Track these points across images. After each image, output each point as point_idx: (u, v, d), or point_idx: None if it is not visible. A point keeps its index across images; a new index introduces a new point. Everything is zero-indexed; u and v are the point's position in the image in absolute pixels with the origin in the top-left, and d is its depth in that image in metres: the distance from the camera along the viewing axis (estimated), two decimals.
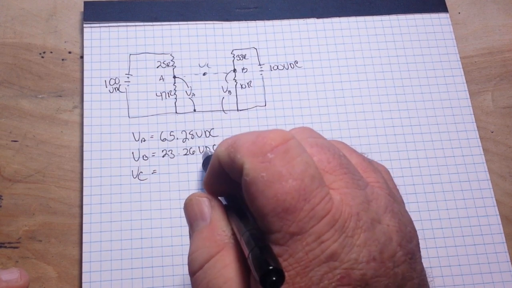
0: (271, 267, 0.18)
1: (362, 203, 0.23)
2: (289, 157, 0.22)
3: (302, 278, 0.20)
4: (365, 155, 0.27)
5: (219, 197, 0.27)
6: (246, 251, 0.21)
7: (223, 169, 0.25)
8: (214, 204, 0.26)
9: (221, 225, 0.25)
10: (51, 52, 0.40)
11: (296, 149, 0.23)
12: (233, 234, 0.24)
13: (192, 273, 0.24)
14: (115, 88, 0.39)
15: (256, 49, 0.42)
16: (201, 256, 0.24)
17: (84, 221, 0.35)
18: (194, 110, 0.39)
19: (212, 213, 0.25)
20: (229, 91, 0.40)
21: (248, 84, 0.40)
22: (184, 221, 0.36)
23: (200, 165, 0.37)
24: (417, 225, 0.37)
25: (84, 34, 0.41)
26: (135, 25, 0.41)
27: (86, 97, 0.39)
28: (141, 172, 0.37)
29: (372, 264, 0.21)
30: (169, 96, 0.39)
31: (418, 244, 0.25)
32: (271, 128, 0.25)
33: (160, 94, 0.39)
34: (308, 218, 0.21)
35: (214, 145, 0.38)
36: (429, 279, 0.25)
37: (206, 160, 0.35)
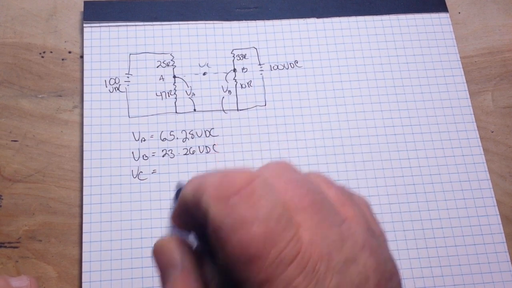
0: None
1: (334, 242, 0.22)
2: (253, 200, 0.21)
3: None
4: (345, 187, 0.26)
5: (189, 234, 0.26)
6: None
7: (188, 208, 0.24)
8: (184, 249, 0.25)
9: (194, 273, 0.24)
10: (51, 52, 0.40)
11: (262, 190, 0.22)
12: (206, 280, 0.24)
13: None
14: (115, 88, 0.39)
15: (256, 49, 0.42)
16: None
17: (84, 221, 0.35)
18: (194, 110, 0.39)
19: (183, 259, 0.24)
20: (229, 91, 0.40)
21: (248, 84, 0.40)
22: None
23: (199, 165, 0.37)
24: (417, 225, 0.37)
25: (84, 34, 0.41)
26: (135, 25, 0.41)
27: (86, 97, 0.39)
28: (141, 172, 0.37)
29: None
30: (169, 96, 0.39)
31: (399, 282, 0.24)
32: (238, 167, 0.24)
33: (160, 94, 0.39)
34: (276, 265, 0.20)
35: (214, 145, 0.38)
36: None
37: (178, 192, 0.34)
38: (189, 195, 0.23)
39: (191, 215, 0.24)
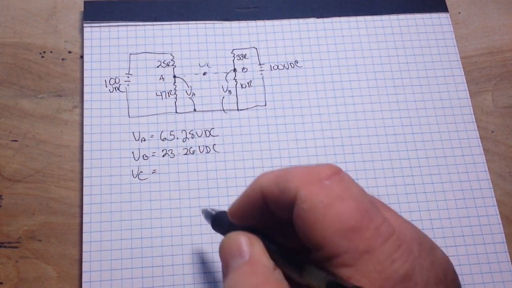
0: None
1: (417, 231, 0.23)
2: (345, 184, 0.22)
3: None
4: None
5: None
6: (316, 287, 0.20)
7: (263, 202, 0.24)
8: (254, 241, 0.24)
9: (263, 260, 0.23)
10: (51, 52, 0.40)
11: (350, 179, 0.23)
12: (277, 270, 0.23)
13: None
14: (115, 88, 0.39)
15: (256, 48, 0.42)
16: None
17: (84, 221, 0.35)
18: (194, 110, 0.39)
19: (252, 250, 0.24)
20: (229, 91, 0.40)
21: (248, 83, 0.40)
22: (184, 220, 0.36)
23: (199, 165, 0.37)
24: (417, 225, 0.37)
25: (84, 34, 0.41)
26: (135, 25, 0.41)
27: (86, 96, 0.39)
28: (141, 172, 0.37)
29: (440, 286, 0.21)
30: (169, 96, 0.39)
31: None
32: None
33: (160, 94, 0.39)
34: (376, 237, 0.21)
35: (214, 144, 0.38)
36: None
37: (212, 217, 0.31)
38: (270, 183, 0.24)
39: (258, 210, 0.25)
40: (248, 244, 0.24)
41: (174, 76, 0.40)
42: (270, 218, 0.25)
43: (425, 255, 0.21)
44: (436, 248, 0.22)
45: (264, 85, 0.40)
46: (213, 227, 0.30)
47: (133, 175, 0.37)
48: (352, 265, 0.20)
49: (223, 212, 0.28)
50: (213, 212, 0.30)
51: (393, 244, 0.21)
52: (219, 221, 0.29)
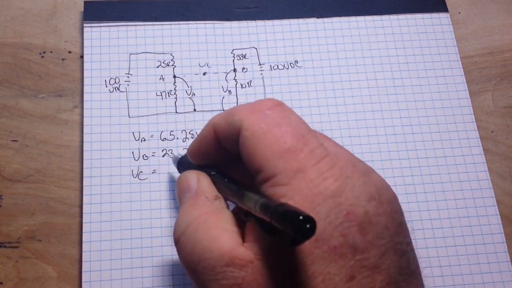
0: (301, 217, 0.18)
1: (352, 156, 0.24)
2: (285, 113, 0.24)
3: (309, 213, 0.20)
4: None
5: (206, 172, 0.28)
6: (263, 214, 0.21)
7: (215, 139, 0.26)
8: (201, 177, 0.27)
9: (206, 192, 0.26)
10: (51, 52, 0.40)
11: (291, 110, 0.25)
12: (218, 199, 0.25)
13: (176, 240, 0.25)
14: (115, 88, 0.39)
15: (256, 48, 0.42)
16: (183, 222, 0.24)
17: (84, 221, 0.35)
18: (194, 110, 0.39)
19: (198, 185, 0.26)
20: (229, 91, 0.40)
21: (248, 83, 0.40)
22: None
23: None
24: (417, 225, 0.37)
25: (84, 34, 0.41)
26: (135, 25, 0.41)
27: (86, 96, 0.39)
28: (141, 172, 0.37)
29: (372, 203, 0.22)
30: (169, 96, 0.40)
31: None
32: None
33: (160, 94, 0.39)
34: (310, 158, 0.22)
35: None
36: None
37: (179, 162, 0.34)
38: (220, 120, 0.26)
39: (212, 147, 0.27)
40: (196, 180, 0.27)
41: (174, 76, 0.40)
42: (224, 155, 0.27)
43: (358, 175, 0.22)
44: (372, 172, 0.24)
45: (264, 85, 0.40)
46: (178, 170, 0.33)
47: (133, 175, 0.37)
48: (287, 183, 0.22)
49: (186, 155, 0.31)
50: (179, 156, 0.33)
51: (326, 164, 0.22)
52: (183, 164, 0.32)
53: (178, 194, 0.28)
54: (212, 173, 0.27)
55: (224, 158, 0.28)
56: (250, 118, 0.24)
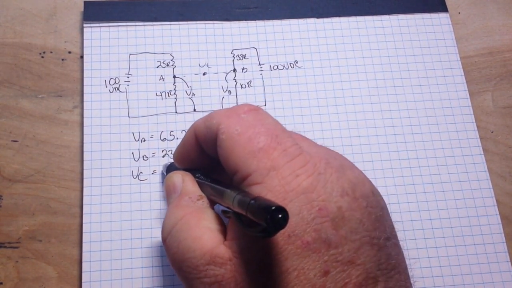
0: (273, 207, 0.19)
1: (327, 153, 0.25)
2: (260, 116, 0.25)
3: None
4: None
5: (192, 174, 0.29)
6: (240, 209, 0.22)
7: (196, 143, 0.27)
8: (185, 178, 0.28)
9: (189, 193, 0.27)
10: (51, 52, 0.40)
11: (267, 114, 0.26)
12: (201, 199, 0.26)
13: (163, 240, 0.26)
14: (115, 88, 0.39)
15: (256, 49, 0.42)
16: (169, 223, 0.25)
17: (84, 221, 0.35)
18: (194, 110, 0.39)
19: (182, 185, 0.28)
20: (229, 91, 0.40)
21: (248, 84, 0.40)
22: None
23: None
24: (417, 225, 0.37)
25: (84, 34, 0.41)
26: (135, 25, 0.41)
27: (86, 97, 0.39)
28: (141, 173, 0.37)
29: (346, 198, 0.22)
30: (169, 96, 0.40)
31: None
32: None
33: (160, 94, 0.40)
34: (283, 155, 0.23)
35: None
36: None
37: (168, 169, 0.36)
38: (200, 124, 0.27)
39: (194, 151, 0.28)
40: (181, 181, 0.28)
41: (174, 76, 0.40)
42: (207, 158, 0.28)
43: (331, 172, 0.23)
44: (349, 168, 0.24)
45: (264, 85, 0.40)
46: (163, 175, 0.35)
47: (133, 175, 0.37)
48: (261, 182, 0.22)
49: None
50: (168, 163, 0.35)
51: (299, 162, 0.23)
52: (170, 169, 0.33)
53: (166, 195, 0.29)
54: (197, 175, 0.29)
55: (207, 162, 0.28)
56: (226, 122, 0.25)
